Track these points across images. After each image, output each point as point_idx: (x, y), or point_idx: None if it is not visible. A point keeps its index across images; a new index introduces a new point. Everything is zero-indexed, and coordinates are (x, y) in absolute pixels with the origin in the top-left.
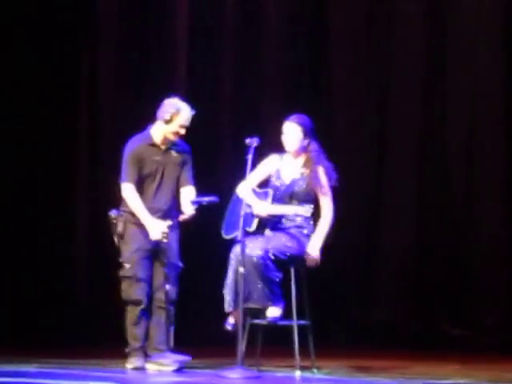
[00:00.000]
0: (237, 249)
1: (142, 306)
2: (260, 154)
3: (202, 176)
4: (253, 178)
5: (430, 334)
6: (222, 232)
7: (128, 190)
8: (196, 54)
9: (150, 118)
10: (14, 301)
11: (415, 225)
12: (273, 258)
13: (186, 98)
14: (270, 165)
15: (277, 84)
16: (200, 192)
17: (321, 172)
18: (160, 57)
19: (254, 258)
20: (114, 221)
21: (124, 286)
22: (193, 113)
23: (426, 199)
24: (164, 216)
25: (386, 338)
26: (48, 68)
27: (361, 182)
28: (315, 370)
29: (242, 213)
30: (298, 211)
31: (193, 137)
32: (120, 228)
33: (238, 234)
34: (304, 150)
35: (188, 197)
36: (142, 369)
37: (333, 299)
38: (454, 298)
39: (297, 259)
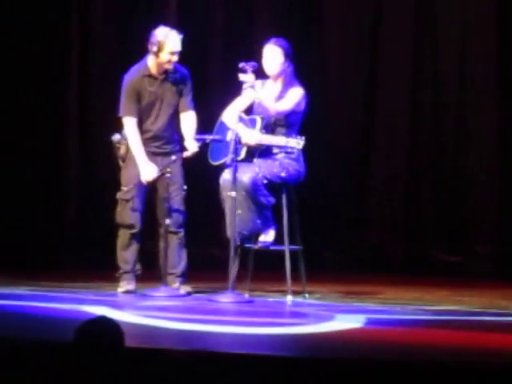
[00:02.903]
0: (224, 175)
1: (134, 230)
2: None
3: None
4: (237, 104)
5: (421, 260)
6: (209, 159)
7: (129, 126)
8: None
9: (142, 45)
10: (1, 224)
11: (407, 149)
12: (265, 181)
13: (176, 24)
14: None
15: (268, 8)
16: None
17: (291, 92)
18: None
19: (246, 182)
20: (118, 145)
21: (119, 208)
22: (181, 37)
23: (419, 124)
24: (166, 143)
25: (377, 263)
26: None
27: (353, 104)
28: (306, 295)
29: (229, 139)
30: (288, 143)
31: (184, 62)
32: (122, 151)
33: (227, 159)
34: (284, 73)
35: (188, 122)
36: (132, 292)
37: (324, 225)
38: (446, 224)
39: (289, 184)
